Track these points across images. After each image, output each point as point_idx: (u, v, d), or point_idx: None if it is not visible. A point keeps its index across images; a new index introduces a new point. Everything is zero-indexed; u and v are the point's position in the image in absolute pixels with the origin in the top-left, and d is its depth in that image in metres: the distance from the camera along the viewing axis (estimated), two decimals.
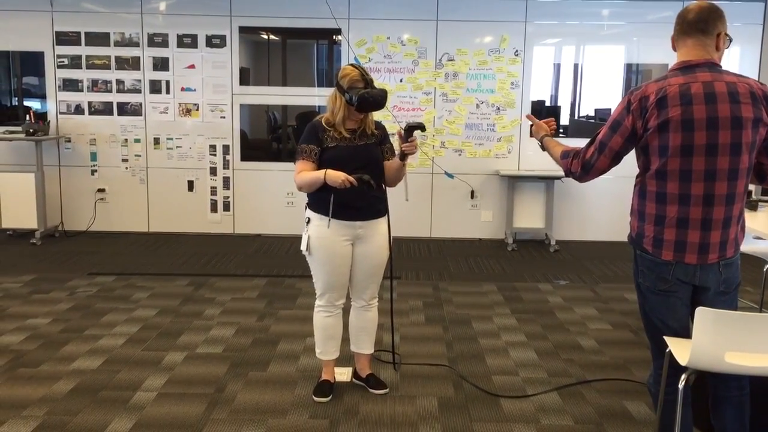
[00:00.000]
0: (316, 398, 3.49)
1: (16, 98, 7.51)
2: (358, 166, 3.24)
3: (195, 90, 7.24)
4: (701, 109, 2.38)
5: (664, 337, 2.56)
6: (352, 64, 3.38)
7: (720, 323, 2.35)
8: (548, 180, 6.98)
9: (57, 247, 6.76)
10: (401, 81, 7.16)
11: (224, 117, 7.28)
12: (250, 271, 6.01)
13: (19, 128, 6.96)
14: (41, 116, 7.22)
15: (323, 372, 3.61)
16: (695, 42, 2.52)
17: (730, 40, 2.56)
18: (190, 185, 7.36)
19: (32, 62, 7.30)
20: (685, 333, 2.56)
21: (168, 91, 7.24)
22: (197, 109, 7.27)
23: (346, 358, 3.77)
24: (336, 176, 3.18)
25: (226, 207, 7.41)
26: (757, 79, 7.12)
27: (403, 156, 3.31)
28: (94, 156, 7.32)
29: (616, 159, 2.55)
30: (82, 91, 7.24)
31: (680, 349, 2.46)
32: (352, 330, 3.62)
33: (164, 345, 4.22)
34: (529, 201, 7.18)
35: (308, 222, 3.39)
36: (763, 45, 7.13)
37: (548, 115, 7.19)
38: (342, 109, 3.30)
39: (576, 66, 7.38)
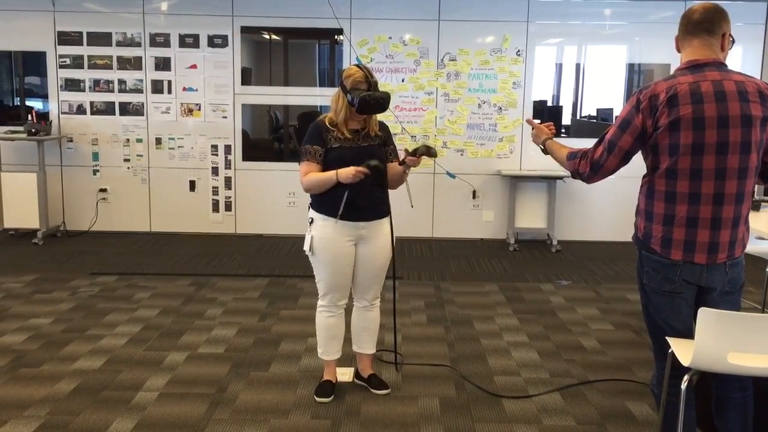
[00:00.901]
0: (317, 398, 3.49)
1: (18, 98, 7.52)
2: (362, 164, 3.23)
3: (197, 90, 7.24)
4: (712, 107, 2.38)
5: (667, 338, 2.56)
6: (357, 65, 3.37)
7: (723, 324, 2.34)
8: (550, 180, 6.97)
9: (59, 247, 6.76)
10: (403, 81, 7.16)
11: (226, 117, 7.28)
12: (251, 271, 6.01)
13: (21, 128, 6.97)
14: (43, 116, 7.22)
15: (325, 372, 3.61)
16: (701, 42, 2.51)
17: (733, 41, 2.56)
18: (192, 185, 7.36)
19: (34, 62, 7.30)
20: (689, 334, 2.55)
21: (170, 91, 7.24)
22: (199, 109, 7.28)
23: (347, 358, 3.77)
24: (347, 172, 3.17)
25: (228, 207, 7.41)
26: (760, 77, 7.16)
27: (403, 163, 3.30)
28: (96, 156, 7.33)
29: (625, 159, 2.53)
30: (84, 91, 7.25)
31: (683, 350, 2.46)
32: (354, 330, 3.62)
33: (166, 345, 4.22)
34: (530, 201, 7.17)
35: (311, 222, 3.38)
36: (766, 44, 7.12)
37: (550, 116, 7.25)
38: (344, 109, 3.30)
39: (578, 66, 7.37)
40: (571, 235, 7.27)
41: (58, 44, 7.17)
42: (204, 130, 7.29)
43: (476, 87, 7.17)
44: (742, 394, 2.58)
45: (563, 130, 7.32)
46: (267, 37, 7.49)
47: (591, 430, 3.25)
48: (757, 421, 2.67)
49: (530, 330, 4.58)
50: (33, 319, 4.65)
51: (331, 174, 3.23)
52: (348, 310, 3.56)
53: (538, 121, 3.07)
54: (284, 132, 7.62)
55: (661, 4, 7.08)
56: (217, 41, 7.17)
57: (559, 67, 7.37)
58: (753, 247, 4.17)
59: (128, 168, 7.34)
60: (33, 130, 6.85)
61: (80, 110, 7.27)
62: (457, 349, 4.24)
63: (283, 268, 6.07)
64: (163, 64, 7.20)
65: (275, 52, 7.56)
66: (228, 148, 7.32)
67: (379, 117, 3.50)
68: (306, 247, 3.39)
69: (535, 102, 7.25)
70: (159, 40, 7.17)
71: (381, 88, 3.35)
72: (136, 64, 7.21)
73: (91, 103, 7.27)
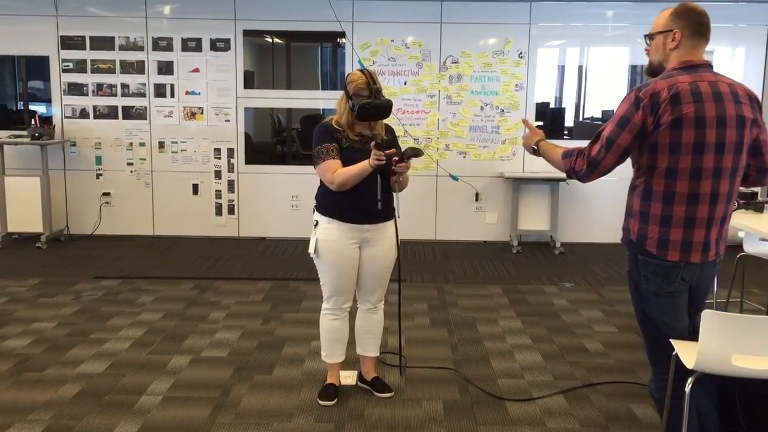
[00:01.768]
0: (321, 402, 3.49)
1: (22, 102, 7.54)
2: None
3: (199, 93, 7.26)
4: (711, 107, 2.40)
5: (672, 340, 2.55)
6: (361, 70, 3.35)
7: (727, 326, 2.33)
8: (553, 182, 6.96)
9: (62, 251, 6.78)
10: (405, 84, 7.16)
11: (229, 120, 7.29)
12: (255, 274, 6.01)
13: (25, 132, 6.98)
14: (46, 120, 7.24)
15: (328, 375, 3.61)
16: (703, 45, 2.53)
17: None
18: (195, 189, 7.37)
19: (37, 66, 7.32)
20: (685, 333, 2.57)
21: (173, 95, 7.25)
22: (202, 113, 7.29)
23: (351, 361, 3.76)
24: (377, 158, 3.12)
25: (231, 210, 7.42)
26: (762, 79, 7.16)
27: (393, 173, 3.27)
28: (99, 160, 7.34)
29: (623, 156, 2.51)
30: (87, 95, 7.26)
31: (687, 353, 2.45)
32: (358, 333, 3.62)
33: (169, 349, 4.23)
34: (533, 203, 7.17)
35: (316, 225, 3.38)
36: None
37: (553, 118, 7.25)
38: (346, 113, 3.30)
39: (580, 68, 7.37)
40: (574, 237, 7.26)
41: (61, 48, 7.19)
42: (207, 134, 7.31)
43: (479, 89, 7.17)
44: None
45: (566, 132, 7.31)
46: (269, 40, 7.50)
47: None
48: (754, 422, 2.67)
49: (534, 332, 4.57)
50: (36, 323, 4.66)
51: (364, 165, 3.18)
52: (352, 313, 3.56)
53: (535, 123, 3.06)
54: (287, 135, 7.63)
55: (663, 6, 7.02)
56: (219, 45, 7.18)
57: (562, 69, 7.37)
58: (756, 248, 4.16)
59: (131, 172, 7.36)
60: (36, 135, 6.86)
61: (83, 114, 7.29)
62: (460, 351, 4.24)
63: (286, 271, 6.07)
64: (165, 67, 7.22)
65: (278, 56, 7.57)
66: (231, 152, 7.33)
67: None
68: (311, 250, 3.39)
69: (537, 104, 7.24)
70: (162, 44, 7.19)
71: (383, 92, 3.34)
72: (138, 68, 7.22)
73: (94, 107, 7.29)
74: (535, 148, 2.81)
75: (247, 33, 7.20)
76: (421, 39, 7.13)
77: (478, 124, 7.21)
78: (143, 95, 7.26)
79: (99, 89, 7.26)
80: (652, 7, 7.07)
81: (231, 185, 7.38)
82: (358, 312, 3.60)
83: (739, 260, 4.39)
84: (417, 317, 4.87)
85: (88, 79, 7.24)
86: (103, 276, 5.86)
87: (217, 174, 7.36)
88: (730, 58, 7.21)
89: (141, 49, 7.20)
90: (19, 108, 7.55)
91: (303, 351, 4.20)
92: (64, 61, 7.21)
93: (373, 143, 3.14)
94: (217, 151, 7.33)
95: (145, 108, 7.27)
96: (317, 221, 3.38)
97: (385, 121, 3.43)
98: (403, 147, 3.33)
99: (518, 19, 7.09)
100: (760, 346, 2.36)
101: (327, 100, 7.23)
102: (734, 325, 2.35)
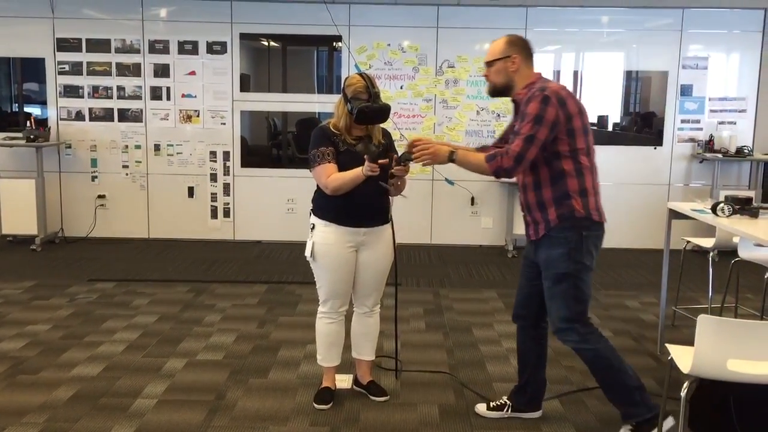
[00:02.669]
0: (316, 405, 3.49)
1: (17, 104, 7.52)
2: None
3: (195, 96, 7.26)
4: (576, 101, 3.00)
5: (666, 345, 2.56)
6: (360, 74, 3.36)
7: (722, 331, 2.35)
8: None
9: (57, 254, 6.76)
10: (401, 88, 7.18)
11: (225, 123, 7.29)
12: (250, 277, 6.00)
13: (20, 134, 6.96)
14: (42, 122, 7.23)
15: (324, 379, 3.60)
16: (531, 63, 3.14)
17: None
18: (191, 191, 7.37)
19: (33, 68, 7.31)
20: None
21: (168, 98, 7.25)
22: (198, 116, 7.29)
23: (346, 364, 3.76)
24: (368, 170, 3.13)
25: (227, 213, 7.41)
26: (757, 85, 7.21)
27: (392, 176, 3.26)
28: (94, 162, 7.33)
29: (541, 148, 2.92)
30: (82, 97, 7.25)
31: (682, 358, 2.46)
32: (353, 336, 3.62)
33: (164, 352, 4.22)
34: None
35: (313, 228, 3.38)
36: (763, 52, 7.15)
37: None
38: (344, 117, 3.30)
39: (576, 73, 7.39)
40: None
41: (57, 51, 7.18)
42: (202, 137, 7.30)
43: (474, 94, 7.19)
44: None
45: None
46: (266, 43, 7.51)
47: None
48: (749, 426, 2.68)
49: None
50: (31, 325, 4.64)
51: (357, 172, 3.19)
52: (348, 317, 3.56)
53: (427, 139, 3.26)
54: (283, 138, 7.63)
55: (658, 12, 7.11)
56: (216, 48, 7.19)
57: (557, 74, 7.39)
58: (751, 253, 4.18)
59: (127, 174, 7.35)
60: (31, 137, 6.85)
61: (79, 116, 7.28)
62: (456, 355, 4.24)
63: (281, 275, 6.07)
64: (162, 70, 7.22)
65: (274, 59, 7.58)
66: (226, 155, 7.33)
67: None
68: (307, 253, 3.39)
69: None
70: (158, 46, 7.19)
71: (379, 95, 3.34)
72: (135, 70, 7.22)
73: (90, 110, 7.28)
74: (453, 159, 3.06)
75: (243, 36, 7.20)
76: (417, 43, 7.15)
77: (473, 128, 7.22)
78: (139, 98, 7.25)
79: (95, 91, 7.25)
80: (647, 13, 7.12)
81: (226, 188, 7.37)
82: (354, 315, 3.60)
83: (733, 265, 4.41)
84: (413, 321, 4.87)
85: (84, 81, 7.23)
86: (98, 279, 5.84)
87: (213, 177, 7.36)
88: (724, 64, 7.25)
89: (137, 51, 7.19)
90: (14, 110, 7.54)
91: (298, 354, 4.20)
92: (59, 63, 7.20)
93: (366, 156, 3.14)
94: (213, 154, 7.32)
95: (141, 110, 7.27)
96: (314, 224, 3.38)
97: (382, 125, 3.44)
98: (401, 151, 3.33)
99: (514, 24, 7.10)
100: (756, 351, 2.37)
101: (323, 104, 7.24)
102: (729, 330, 2.36)
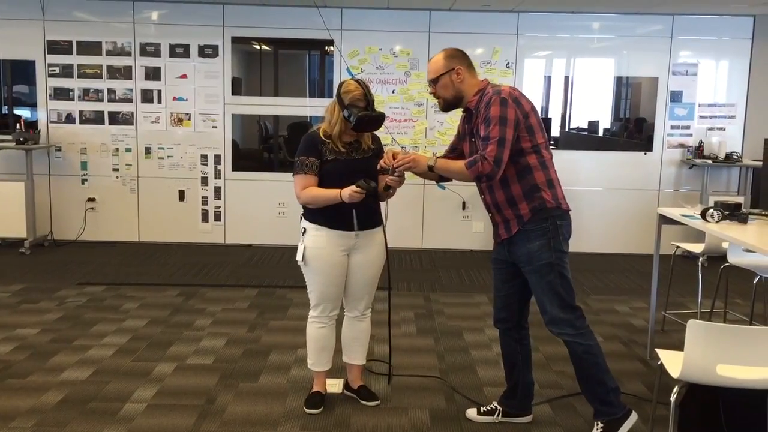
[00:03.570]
0: (307, 410, 3.48)
1: (7, 107, 7.48)
2: (356, 180, 3.22)
3: (187, 99, 7.24)
4: (527, 99, 3.11)
5: (657, 350, 2.58)
6: (356, 80, 3.37)
7: (711, 336, 2.36)
8: None
9: (46, 257, 6.72)
10: (393, 92, 7.19)
11: (216, 127, 7.27)
12: (241, 281, 5.99)
13: (9, 137, 6.93)
14: (32, 125, 7.19)
15: (315, 383, 3.60)
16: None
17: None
18: (181, 195, 7.34)
19: (23, 71, 7.28)
20: None
21: (160, 101, 7.23)
22: (189, 119, 7.27)
23: (337, 369, 3.75)
24: (351, 195, 3.15)
25: (217, 217, 7.39)
26: (746, 91, 7.27)
27: (387, 187, 3.28)
28: (84, 165, 7.30)
29: (510, 149, 2.98)
30: (73, 100, 7.22)
31: (672, 362, 2.47)
32: (344, 340, 3.61)
33: (154, 356, 4.20)
34: None
35: (304, 232, 3.38)
36: (752, 59, 7.20)
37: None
38: (339, 123, 3.30)
39: (567, 78, 7.42)
40: None
41: (48, 53, 7.15)
42: (194, 140, 7.28)
43: None
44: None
45: (552, 142, 7.35)
46: (257, 47, 7.50)
47: None
48: (737, 428, 2.69)
49: None
50: (19, 329, 4.61)
51: (334, 194, 3.20)
52: (339, 321, 3.55)
53: (405, 151, 3.36)
54: (274, 142, 7.62)
55: (648, 18, 7.15)
56: (207, 51, 7.17)
57: (548, 80, 7.42)
58: (740, 258, 4.20)
59: (117, 177, 7.32)
60: (21, 139, 6.81)
61: (69, 119, 7.25)
62: (446, 360, 4.24)
63: (272, 279, 6.06)
64: (153, 73, 7.20)
65: (266, 63, 7.57)
66: (218, 158, 7.31)
67: None
68: (299, 257, 3.38)
69: None
70: (149, 49, 7.17)
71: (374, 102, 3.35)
72: (126, 73, 7.20)
73: (80, 112, 7.25)
74: (432, 165, 3.12)
75: (235, 40, 7.19)
76: (409, 48, 7.16)
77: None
78: (130, 101, 7.23)
79: (85, 94, 7.22)
80: (638, 19, 7.16)
81: (218, 192, 7.36)
82: (344, 320, 3.59)
83: (722, 271, 4.43)
84: (403, 325, 4.87)
85: (75, 84, 7.20)
86: (88, 282, 5.81)
87: (204, 180, 7.34)
88: (714, 71, 7.29)
89: (128, 54, 7.17)
90: (4, 112, 7.49)
91: (289, 359, 4.19)
92: (50, 65, 7.16)
93: (361, 182, 3.14)
94: (204, 157, 7.31)
95: (132, 113, 7.24)
96: (305, 228, 3.38)
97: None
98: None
99: (506, 30, 7.14)
100: (745, 356, 2.38)
101: (314, 108, 7.23)
102: (719, 335, 2.37)
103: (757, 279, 4.30)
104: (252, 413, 3.47)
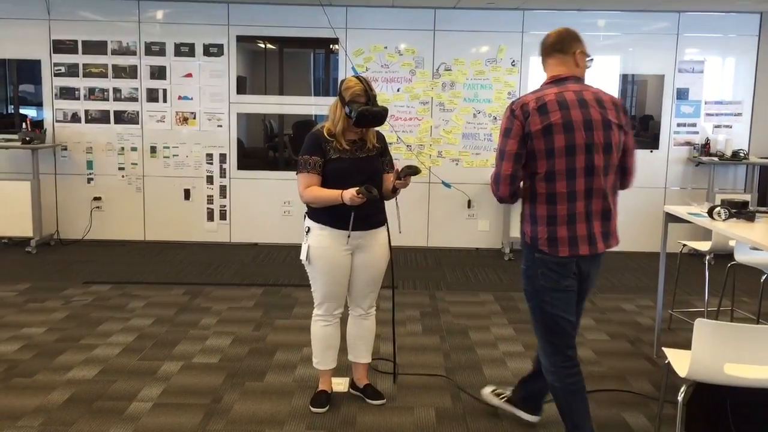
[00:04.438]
0: (313, 409, 3.48)
1: (13, 106, 7.50)
2: (360, 179, 3.22)
3: (192, 99, 7.24)
4: (578, 112, 2.70)
5: (664, 349, 2.56)
6: (356, 77, 3.37)
7: (719, 335, 2.35)
8: None
9: (52, 256, 6.73)
10: (398, 90, 7.18)
11: (221, 126, 7.28)
12: (246, 280, 5.99)
13: (15, 136, 6.94)
14: (37, 124, 7.21)
15: (320, 382, 3.60)
16: (557, 61, 2.91)
17: (591, 59, 2.95)
18: (187, 194, 7.35)
19: (29, 70, 7.29)
20: (575, 322, 2.90)
21: (165, 100, 7.24)
22: (194, 118, 7.27)
23: (343, 368, 3.75)
24: (352, 199, 3.14)
25: (223, 216, 7.40)
26: (753, 88, 7.22)
27: (395, 189, 3.32)
28: (90, 164, 7.31)
29: (517, 161, 2.72)
30: (78, 99, 7.24)
31: (679, 362, 2.46)
32: (349, 339, 3.61)
33: (160, 355, 4.20)
34: None
35: (308, 231, 3.38)
36: (759, 55, 7.16)
37: None
38: (341, 120, 3.30)
39: None
40: None
41: (53, 52, 7.17)
42: (199, 139, 7.29)
43: (471, 97, 7.19)
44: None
45: None
46: (262, 46, 7.50)
47: None
48: (745, 429, 2.68)
49: (526, 340, 4.57)
50: (26, 328, 4.62)
51: (335, 195, 3.20)
52: (343, 320, 3.55)
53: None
54: (279, 141, 7.62)
55: (654, 15, 7.12)
56: (212, 50, 7.18)
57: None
58: (747, 257, 4.18)
59: (123, 176, 7.33)
60: (27, 138, 6.83)
61: (75, 118, 7.26)
62: (452, 359, 4.23)
63: (277, 277, 6.06)
64: (158, 72, 7.20)
65: (270, 61, 7.57)
66: (223, 157, 7.31)
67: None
68: (303, 257, 3.38)
69: None
70: (154, 48, 7.17)
71: (377, 98, 3.35)
72: (131, 72, 7.20)
73: (86, 112, 7.26)
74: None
75: (240, 38, 7.19)
76: (414, 46, 7.15)
77: (470, 131, 7.22)
78: (135, 100, 7.24)
79: (91, 93, 7.23)
80: (643, 16, 7.13)
81: (223, 191, 7.36)
82: (349, 318, 3.59)
83: (729, 269, 4.42)
84: (409, 324, 4.87)
85: (80, 83, 7.21)
86: (94, 281, 5.82)
87: (209, 179, 7.35)
88: (720, 68, 7.26)
89: (133, 53, 7.18)
90: (10, 112, 7.51)
91: (295, 357, 4.19)
92: (56, 65, 7.18)
93: (363, 187, 3.13)
94: (209, 156, 7.31)
95: (137, 113, 7.25)
96: (309, 228, 3.38)
97: (377, 128, 3.44)
98: (396, 154, 3.35)
99: (511, 28, 7.12)
100: (752, 355, 2.37)
101: (319, 106, 7.23)
102: (726, 334, 2.36)
103: (764, 277, 4.27)
104: (258, 412, 3.47)
